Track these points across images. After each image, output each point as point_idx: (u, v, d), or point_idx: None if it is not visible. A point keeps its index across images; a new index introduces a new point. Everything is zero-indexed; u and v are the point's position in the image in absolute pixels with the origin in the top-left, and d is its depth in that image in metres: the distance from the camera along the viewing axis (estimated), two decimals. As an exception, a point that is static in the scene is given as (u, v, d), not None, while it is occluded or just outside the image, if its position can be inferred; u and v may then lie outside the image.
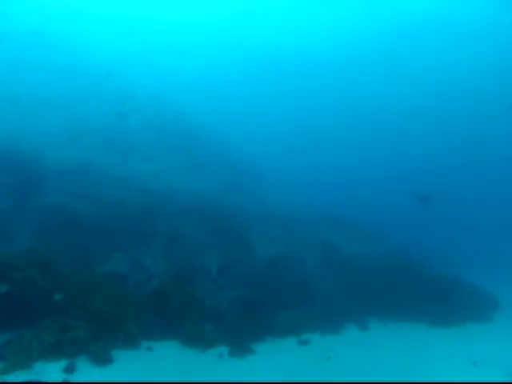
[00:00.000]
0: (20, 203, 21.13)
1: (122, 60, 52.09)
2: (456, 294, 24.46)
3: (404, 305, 23.04)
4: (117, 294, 16.81)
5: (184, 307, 18.03)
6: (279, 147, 62.38)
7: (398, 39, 67.61)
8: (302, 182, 45.15)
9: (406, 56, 70.25)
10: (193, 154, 39.91)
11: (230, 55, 78.31)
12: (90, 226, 21.73)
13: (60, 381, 11.37)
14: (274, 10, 73.21)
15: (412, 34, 66.13)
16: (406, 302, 23.08)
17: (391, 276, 24.58)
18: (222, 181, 37.07)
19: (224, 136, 46.23)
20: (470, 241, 49.07)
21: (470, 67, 68.36)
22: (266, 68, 78.75)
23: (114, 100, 40.83)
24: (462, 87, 71.57)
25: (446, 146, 74.62)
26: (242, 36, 76.99)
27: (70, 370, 12.08)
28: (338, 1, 67.86)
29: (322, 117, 76.63)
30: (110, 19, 68.79)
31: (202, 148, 41.33)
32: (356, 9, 67.97)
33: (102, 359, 13.09)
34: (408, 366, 14.96)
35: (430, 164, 71.39)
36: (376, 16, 67.36)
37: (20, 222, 20.15)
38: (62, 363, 12.51)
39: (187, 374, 12.87)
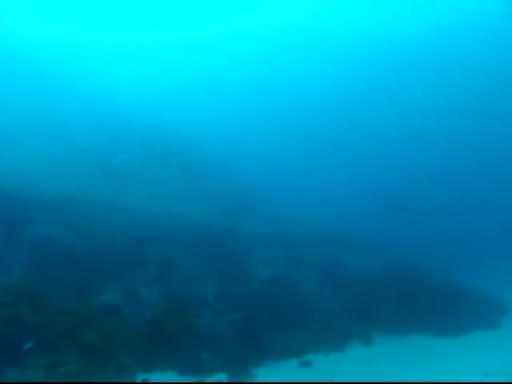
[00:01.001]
0: (10, 236, 20.78)
1: (118, 84, 52.57)
2: (461, 301, 23.91)
3: (408, 317, 22.47)
4: (110, 326, 16.32)
5: (180, 336, 17.48)
6: (276, 165, 62.01)
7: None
8: (301, 200, 44.72)
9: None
10: (188, 179, 39.74)
11: (225, 74, 78.89)
12: (83, 258, 21.30)
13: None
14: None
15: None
16: (410, 313, 22.51)
17: (393, 289, 24.07)
18: (219, 204, 36.72)
19: (221, 158, 45.94)
20: (471, 245, 48.42)
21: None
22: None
23: (107, 128, 40.88)
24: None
25: (442, 154, 74.41)
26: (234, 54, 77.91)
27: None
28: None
29: (318, 133, 76.62)
30: (106, 44, 69.66)
31: (197, 172, 41.12)
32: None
33: (93, 394, 12.48)
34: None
35: (427, 175, 71.10)
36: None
37: (11, 256, 19.76)
38: (51, 401, 11.91)
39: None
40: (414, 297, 23.34)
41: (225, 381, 15.17)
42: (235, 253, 26.53)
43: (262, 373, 15.92)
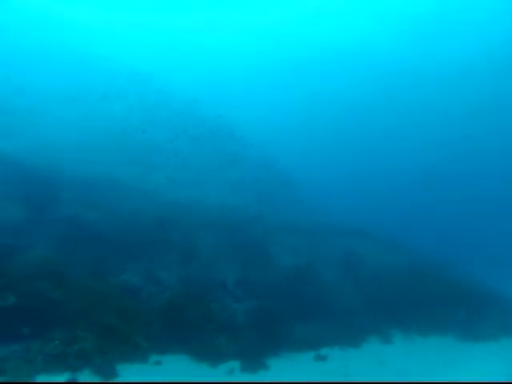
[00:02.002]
0: (36, 215, 21.18)
1: (154, 66, 52.81)
2: (486, 303, 23.10)
3: (430, 316, 21.87)
4: (128, 307, 16.52)
5: (196, 320, 17.53)
6: (305, 155, 61.30)
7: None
8: (325, 191, 44.11)
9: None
10: (218, 164, 39.64)
11: (258, 63, 78.17)
12: (106, 237, 21.52)
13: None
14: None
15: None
16: (432, 313, 21.91)
17: (416, 286, 23.45)
18: (246, 190, 36.59)
19: (253, 143, 45.48)
20: (496, 245, 46.74)
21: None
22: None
23: (140, 107, 41.03)
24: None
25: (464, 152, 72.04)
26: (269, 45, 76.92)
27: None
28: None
29: (349, 125, 75.30)
30: (142, 25, 70.03)
31: (223, 156, 40.95)
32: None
33: (106, 373, 12.67)
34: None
35: (451, 170, 69.05)
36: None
37: (36, 234, 20.14)
38: (65, 376, 12.19)
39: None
40: (437, 296, 22.70)
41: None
42: (258, 239, 26.36)
43: (276, 364, 15.82)
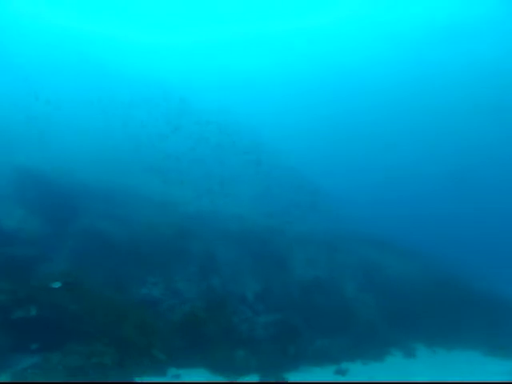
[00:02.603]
0: (57, 227, 21.52)
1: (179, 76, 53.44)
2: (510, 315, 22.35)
3: (455, 330, 21.28)
4: (147, 319, 16.55)
5: (216, 333, 17.45)
6: (325, 163, 60.73)
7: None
8: (346, 200, 43.53)
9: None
10: (239, 175, 39.57)
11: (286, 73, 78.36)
12: (126, 249, 21.71)
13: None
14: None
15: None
16: (457, 326, 21.31)
17: (440, 298, 22.87)
18: (267, 202, 36.42)
19: (276, 155, 45.25)
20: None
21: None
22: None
23: (162, 118, 41.29)
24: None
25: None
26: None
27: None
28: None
29: (369, 133, 74.55)
30: (165, 36, 71.35)
31: (244, 169, 40.90)
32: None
33: (124, 386, 12.65)
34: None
35: (475, 177, 67.51)
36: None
37: (56, 246, 20.45)
38: (84, 389, 12.18)
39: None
40: (461, 308, 22.11)
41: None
42: (278, 251, 26.19)
43: (296, 377, 15.52)
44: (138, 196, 26.92)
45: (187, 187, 32.39)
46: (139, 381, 11.73)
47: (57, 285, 14.92)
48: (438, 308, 22.24)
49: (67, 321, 14.85)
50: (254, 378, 15.16)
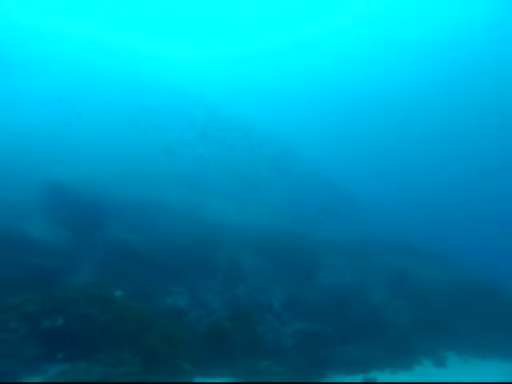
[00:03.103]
0: (84, 238, 21.88)
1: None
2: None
3: (488, 338, 20.54)
4: (173, 330, 16.56)
5: (242, 343, 17.33)
6: (352, 168, 59.75)
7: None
8: (374, 205, 42.82)
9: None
10: (262, 185, 39.47)
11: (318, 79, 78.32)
12: (151, 260, 21.89)
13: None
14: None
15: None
16: (491, 334, 20.57)
17: (471, 305, 22.18)
18: (293, 210, 36.20)
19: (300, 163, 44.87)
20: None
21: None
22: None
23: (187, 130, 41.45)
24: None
25: None
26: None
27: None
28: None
29: (393, 138, 73.32)
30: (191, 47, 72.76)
31: (270, 177, 40.73)
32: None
33: (150, 396, 12.65)
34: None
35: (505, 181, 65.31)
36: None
37: (83, 257, 20.78)
38: (110, 398, 12.25)
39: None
40: (495, 315, 21.35)
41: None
42: (305, 260, 25.95)
43: (322, 387, 15.24)
44: (163, 206, 27.18)
45: (213, 196, 32.51)
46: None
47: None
48: (470, 315, 21.57)
49: (93, 330, 15.00)
50: (280, 388, 14.92)
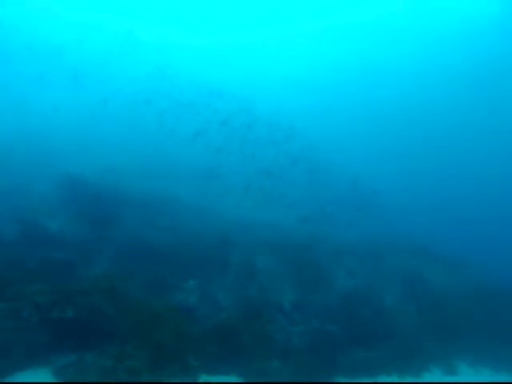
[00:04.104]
0: (99, 232, 22.17)
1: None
2: None
3: (503, 349, 20.05)
4: (181, 325, 16.57)
5: (251, 342, 17.29)
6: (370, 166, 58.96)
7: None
8: (386, 208, 42.22)
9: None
10: (283, 180, 39.18)
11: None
12: (165, 256, 22.01)
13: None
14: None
15: None
16: (504, 344, 20.09)
17: (486, 313, 21.68)
18: (306, 209, 35.93)
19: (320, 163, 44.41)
20: None
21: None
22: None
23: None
24: None
25: None
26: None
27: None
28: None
29: (408, 136, 71.96)
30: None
31: (292, 173, 40.29)
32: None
33: (154, 390, 12.74)
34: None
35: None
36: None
37: (98, 250, 21.06)
38: (115, 390, 12.38)
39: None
40: (510, 326, 20.86)
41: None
42: (317, 260, 25.80)
43: (329, 390, 15.13)
44: (181, 202, 27.35)
45: (232, 191, 32.52)
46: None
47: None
48: (485, 323, 21.11)
49: (102, 322, 15.19)
50: (286, 389, 14.88)
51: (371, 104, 75.12)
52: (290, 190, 36.64)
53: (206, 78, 51.74)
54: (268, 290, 22.31)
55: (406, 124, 72.63)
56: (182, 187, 30.53)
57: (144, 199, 26.05)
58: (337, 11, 70.03)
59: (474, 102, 68.46)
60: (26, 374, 12.84)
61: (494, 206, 58.93)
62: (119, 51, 57.61)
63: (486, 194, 62.26)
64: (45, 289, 15.49)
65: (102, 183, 25.37)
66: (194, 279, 21.27)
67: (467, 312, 21.83)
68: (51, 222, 21.95)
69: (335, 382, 13.86)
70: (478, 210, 56.93)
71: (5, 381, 11.72)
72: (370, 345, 19.20)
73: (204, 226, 25.93)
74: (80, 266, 19.55)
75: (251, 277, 23.09)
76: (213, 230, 25.58)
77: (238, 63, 72.29)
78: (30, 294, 15.01)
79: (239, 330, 17.67)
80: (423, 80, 71.56)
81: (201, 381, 12.78)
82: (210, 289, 21.15)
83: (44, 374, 12.93)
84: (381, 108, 74.71)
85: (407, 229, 35.73)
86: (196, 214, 27.61)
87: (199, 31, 72.71)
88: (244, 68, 71.79)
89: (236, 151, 37.73)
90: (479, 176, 66.17)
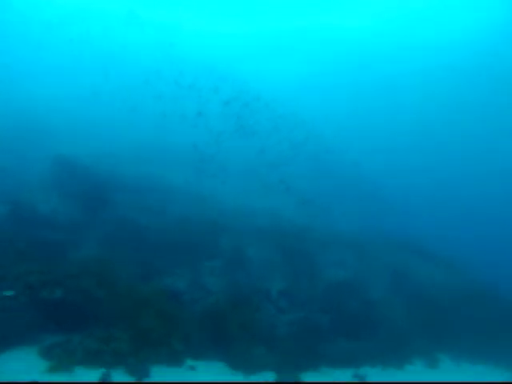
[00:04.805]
0: (91, 215, 22.21)
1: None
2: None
3: (483, 343, 20.41)
4: (168, 310, 16.72)
5: (237, 328, 17.45)
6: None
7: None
8: (377, 203, 42.38)
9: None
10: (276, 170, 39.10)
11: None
12: (155, 240, 22.10)
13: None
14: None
15: None
16: (485, 339, 20.43)
17: (470, 308, 22.00)
18: (298, 201, 36.00)
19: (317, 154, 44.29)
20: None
21: None
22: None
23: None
24: None
25: None
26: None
27: (104, 380, 12.01)
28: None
29: (403, 134, 71.88)
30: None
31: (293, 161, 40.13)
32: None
33: (139, 373, 12.90)
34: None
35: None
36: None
37: (89, 233, 21.11)
38: (100, 371, 12.52)
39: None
40: (493, 321, 21.19)
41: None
42: (307, 250, 25.94)
43: (312, 379, 15.37)
44: (172, 188, 27.37)
45: (228, 178, 32.44)
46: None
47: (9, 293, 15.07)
48: (468, 319, 21.40)
49: (90, 305, 15.30)
50: (271, 376, 15.07)
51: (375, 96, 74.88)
52: (288, 177, 36.35)
53: (209, 59, 51.28)
54: (257, 278, 22.45)
55: (403, 120, 72.66)
56: (175, 172, 30.54)
57: (137, 183, 26.09)
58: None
59: (473, 100, 68.60)
60: (12, 353, 12.93)
61: (486, 206, 59.27)
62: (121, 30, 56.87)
63: (479, 194, 62.57)
64: (34, 269, 15.55)
65: (97, 166, 25.39)
66: (183, 264, 21.39)
67: (451, 308, 22.13)
68: (43, 203, 21.95)
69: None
70: (469, 210, 57.27)
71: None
72: (355, 336, 19.43)
73: (197, 212, 26.02)
74: (70, 247, 19.61)
75: (241, 263, 23.19)
76: (206, 217, 25.67)
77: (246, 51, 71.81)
78: (19, 275, 15.08)
79: (226, 316, 17.78)
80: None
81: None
82: (199, 274, 21.24)
83: (30, 353, 13.01)
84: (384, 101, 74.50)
85: (399, 224, 35.95)
86: (189, 199, 27.68)
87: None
88: (250, 56, 71.23)
89: (235, 136, 37.34)
90: (473, 176, 66.44)
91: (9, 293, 14.35)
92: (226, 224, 25.85)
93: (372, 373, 16.91)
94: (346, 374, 16.54)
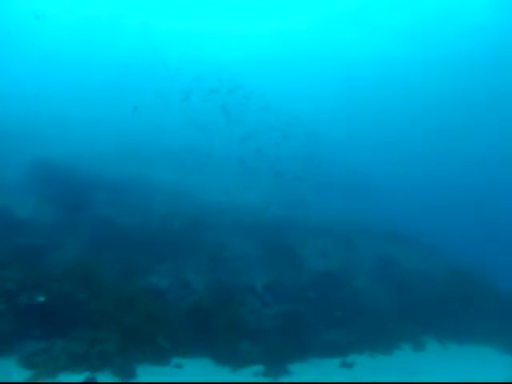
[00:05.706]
0: (70, 217, 21.89)
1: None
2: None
3: (468, 325, 20.78)
4: (153, 308, 16.59)
5: (222, 323, 17.38)
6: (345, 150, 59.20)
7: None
8: (359, 191, 42.54)
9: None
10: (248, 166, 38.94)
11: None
12: (136, 239, 21.89)
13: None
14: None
15: None
16: (470, 321, 20.81)
17: (454, 293, 22.30)
18: (276, 193, 35.91)
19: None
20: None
21: None
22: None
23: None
24: None
25: None
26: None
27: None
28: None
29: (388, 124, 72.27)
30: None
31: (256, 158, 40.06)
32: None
33: (125, 373, 12.77)
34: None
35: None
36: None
37: (69, 235, 20.79)
38: (85, 374, 12.37)
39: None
40: (476, 303, 21.57)
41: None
42: (290, 242, 25.96)
43: (300, 369, 15.44)
44: (152, 186, 27.16)
45: (205, 177, 32.32)
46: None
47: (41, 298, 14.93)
48: (452, 302, 21.71)
49: (73, 308, 15.07)
50: (259, 369, 15.09)
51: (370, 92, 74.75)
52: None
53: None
54: (241, 273, 22.36)
55: (389, 108, 72.85)
56: (158, 170, 30.32)
57: (116, 183, 25.82)
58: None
59: (454, 93, 69.09)
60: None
61: (472, 195, 59.97)
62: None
63: (465, 183, 63.24)
64: (14, 276, 15.25)
65: (74, 167, 25.04)
66: (166, 262, 21.23)
67: (435, 294, 22.41)
68: (21, 207, 21.56)
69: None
70: (455, 199, 57.91)
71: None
72: (342, 324, 19.50)
73: (179, 210, 25.86)
74: (51, 251, 19.28)
75: (224, 259, 23.09)
76: (188, 215, 25.53)
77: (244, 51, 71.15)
78: (-3, 281, 14.78)
79: (211, 312, 17.68)
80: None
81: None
82: (183, 272, 21.07)
83: (9, 363, 12.69)
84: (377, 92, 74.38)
85: (384, 213, 36.14)
86: (170, 197, 27.51)
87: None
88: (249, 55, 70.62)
89: (222, 130, 36.72)
90: (459, 165, 67.13)
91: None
92: (209, 221, 25.74)
93: (360, 359, 17.02)
94: (333, 363, 16.60)
